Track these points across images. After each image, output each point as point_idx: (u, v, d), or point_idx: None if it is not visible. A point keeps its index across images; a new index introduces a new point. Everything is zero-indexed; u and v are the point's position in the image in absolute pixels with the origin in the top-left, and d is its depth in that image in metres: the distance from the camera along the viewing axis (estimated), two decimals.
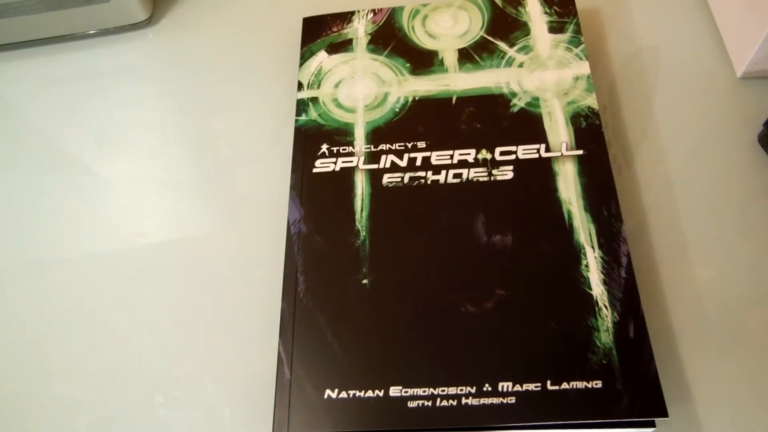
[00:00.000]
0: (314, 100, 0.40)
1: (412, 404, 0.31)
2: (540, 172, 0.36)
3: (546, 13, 0.42)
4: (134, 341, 0.35)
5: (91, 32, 0.46)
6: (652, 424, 0.29)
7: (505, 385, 0.30)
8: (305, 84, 0.41)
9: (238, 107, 0.43)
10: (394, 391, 0.31)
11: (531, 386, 0.30)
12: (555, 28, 0.42)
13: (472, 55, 0.41)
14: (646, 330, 0.31)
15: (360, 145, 0.38)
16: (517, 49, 0.41)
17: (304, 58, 0.42)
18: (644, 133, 0.40)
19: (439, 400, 0.31)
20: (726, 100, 0.41)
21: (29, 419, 0.33)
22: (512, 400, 0.30)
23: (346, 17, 0.44)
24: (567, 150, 0.37)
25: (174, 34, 0.47)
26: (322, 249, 0.35)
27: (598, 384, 0.30)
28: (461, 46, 0.42)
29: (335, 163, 0.38)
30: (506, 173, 0.36)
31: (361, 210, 0.36)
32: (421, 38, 0.42)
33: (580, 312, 0.32)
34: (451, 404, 0.30)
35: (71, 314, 0.36)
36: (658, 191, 0.38)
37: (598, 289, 0.32)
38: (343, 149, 0.38)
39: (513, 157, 0.37)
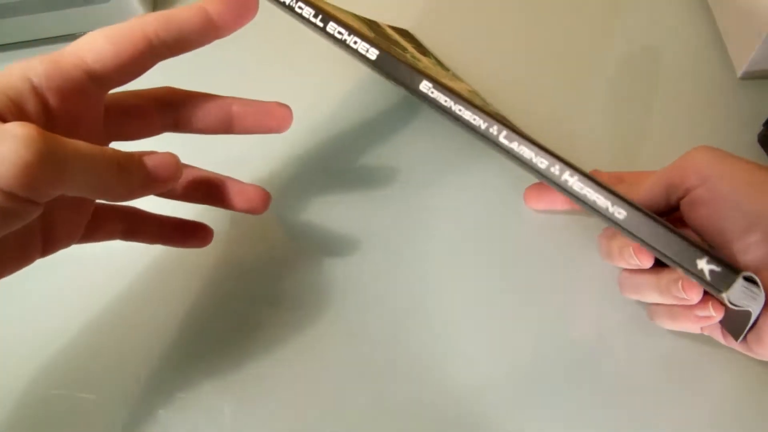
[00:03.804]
0: None
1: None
2: None
3: None
4: (132, 341, 0.35)
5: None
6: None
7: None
8: None
9: None
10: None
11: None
12: None
13: None
14: None
15: None
16: None
17: None
18: (644, 133, 0.40)
19: None
20: (726, 100, 0.41)
21: (27, 417, 0.33)
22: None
23: None
24: None
25: None
26: None
27: None
28: None
29: None
30: None
31: None
32: None
33: None
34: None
35: (71, 313, 0.36)
36: None
37: None
38: None
39: None
